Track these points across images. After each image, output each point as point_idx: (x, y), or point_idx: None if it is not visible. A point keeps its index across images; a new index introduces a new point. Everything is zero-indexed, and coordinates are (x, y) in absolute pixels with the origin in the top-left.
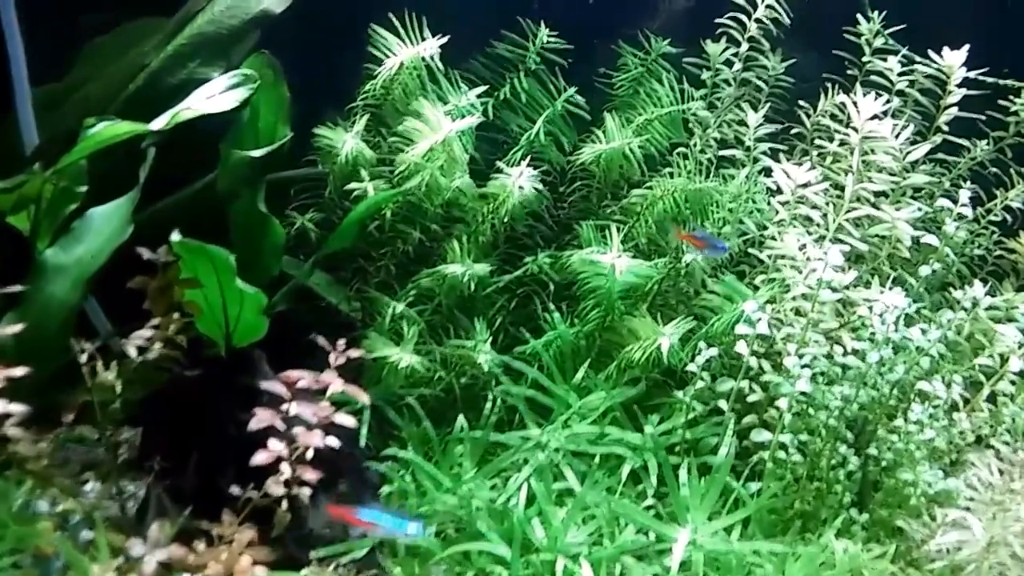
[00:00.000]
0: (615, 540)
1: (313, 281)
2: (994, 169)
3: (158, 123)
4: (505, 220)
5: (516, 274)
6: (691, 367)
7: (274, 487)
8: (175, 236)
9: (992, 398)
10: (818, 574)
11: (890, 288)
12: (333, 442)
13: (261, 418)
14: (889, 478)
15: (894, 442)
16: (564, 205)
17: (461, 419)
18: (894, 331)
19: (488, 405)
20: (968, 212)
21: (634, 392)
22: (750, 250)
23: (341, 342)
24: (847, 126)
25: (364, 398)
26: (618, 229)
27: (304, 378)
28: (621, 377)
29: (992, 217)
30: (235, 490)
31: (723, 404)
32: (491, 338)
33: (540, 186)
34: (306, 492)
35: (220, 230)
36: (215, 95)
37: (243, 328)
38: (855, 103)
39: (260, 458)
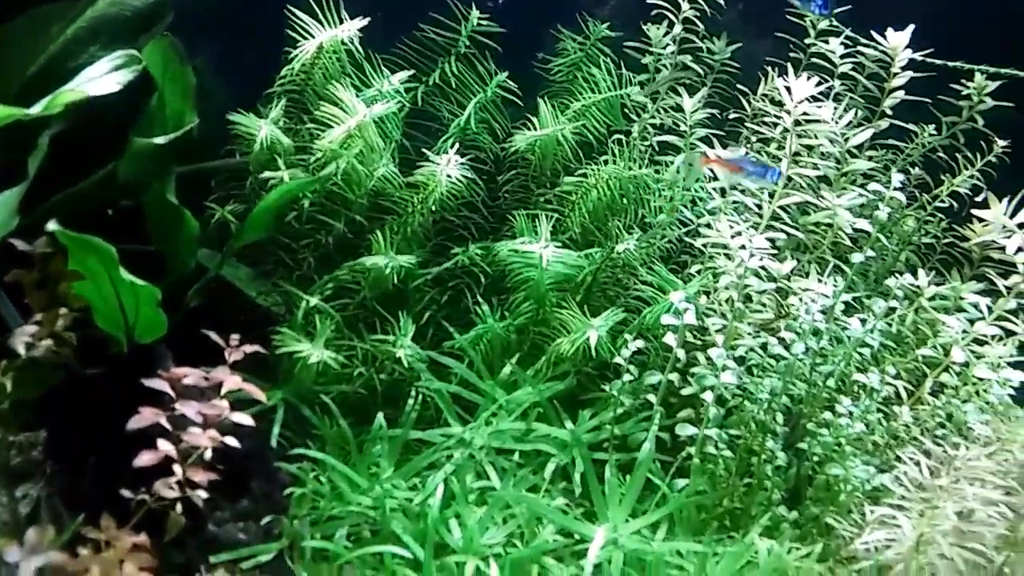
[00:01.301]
0: (534, 540)
1: (233, 275)
2: (945, 156)
3: (37, 108)
4: (434, 210)
5: (446, 266)
6: (619, 360)
7: (164, 490)
8: (52, 225)
9: (942, 391)
10: (741, 574)
11: (829, 277)
12: (232, 442)
13: (143, 417)
14: (820, 474)
15: (823, 436)
16: (500, 195)
17: (380, 417)
18: (822, 321)
19: (410, 402)
20: (901, 197)
21: (563, 387)
22: (688, 240)
23: (235, 337)
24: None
25: (260, 396)
26: (547, 218)
27: (190, 375)
28: (551, 372)
29: (940, 204)
30: (126, 493)
31: (652, 398)
32: (419, 333)
33: (470, 174)
34: (200, 495)
35: (127, 223)
36: (96, 77)
37: (144, 323)
38: (787, 86)
39: (145, 459)
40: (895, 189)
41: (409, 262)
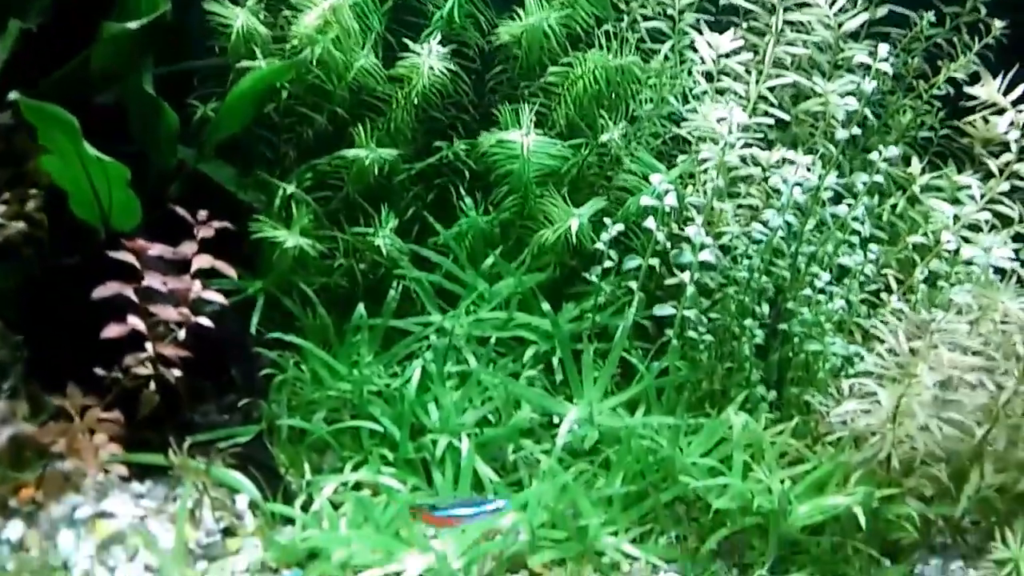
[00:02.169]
0: (510, 421)
1: (212, 171)
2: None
3: None
4: (418, 104)
5: (429, 161)
6: (599, 245)
7: (136, 366)
8: (13, 95)
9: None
10: (715, 448)
11: (817, 162)
12: (204, 321)
13: (108, 287)
14: (799, 353)
15: (803, 315)
16: (486, 92)
17: (360, 307)
18: (805, 200)
19: (391, 293)
20: (887, 68)
21: (544, 277)
22: (675, 129)
23: (203, 213)
24: None
25: (230, 272)
26: (531, 108)
27: (155, 248)
28: (534, 264)
29: (936, 91)
30: (99, 371)
31: (633, 285)
32: (404, 230)
33: (454, 67)
34: (174, 373)
35: (107, 123)
36: None
37: (118, 208)
38: None
39: (112, 331)
40: (880, 60)
41: (391, 155)
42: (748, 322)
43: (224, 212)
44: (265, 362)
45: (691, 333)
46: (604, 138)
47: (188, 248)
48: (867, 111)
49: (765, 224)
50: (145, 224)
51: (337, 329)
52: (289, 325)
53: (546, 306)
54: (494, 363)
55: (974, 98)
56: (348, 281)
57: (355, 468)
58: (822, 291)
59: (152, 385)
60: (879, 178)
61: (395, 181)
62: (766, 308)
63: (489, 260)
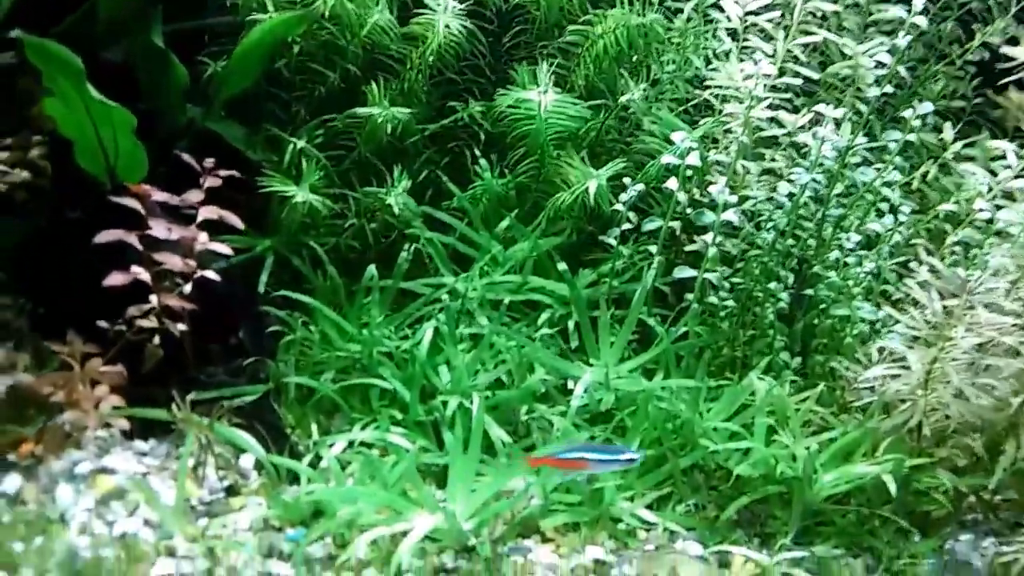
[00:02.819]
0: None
1: (222, 129)
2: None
3: None
4: (432, 63)
5: (444, 123)
6: (617, 206)
7: (140, 318)
8: (16, 32)
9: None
10: (737, 414)
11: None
12: (211, 275)
13: (110, 232)
14: (825, 318)
15: (830, 278)
16: (503, 53)
17: (371, 268)
18: (833, 160)
19: (402, 254)
20: (923, 22)
21: (560, 240)
22: (698, 92)
23: (210, 160)
24: None
25: (237, 222)
26: (549, 65)
27: (159, 194)
28: (550, 228)
29: (969, 57)
30: (103, 324)
31: (652, 248)
32: (418, 192)
33: (470, 25)
34: (179, 327)
35: (116, 82)
36: None
37: (124, 159)
38: None
39: (115, 279)
40: (915, 14)
41: (405, 115)
42: (772, 286)
43: (233, 170)
44: (273, 321)
45: (712, 298)
46: (624, 99)
47: (194, 196)
48: (901, 68)
49: (792, 182)
50: (153, 180)
51: (347, 290)
52: (298, 286)
53: (563, 266)
54: (508, 327)
55: (1008, 68)
56: (359, 242)
57: (364, 429)
58: (850, 254)
59: (156, 339)
60: (912, 137)
61: (408, 142)
62: (791, 275)
63: (504, 223)
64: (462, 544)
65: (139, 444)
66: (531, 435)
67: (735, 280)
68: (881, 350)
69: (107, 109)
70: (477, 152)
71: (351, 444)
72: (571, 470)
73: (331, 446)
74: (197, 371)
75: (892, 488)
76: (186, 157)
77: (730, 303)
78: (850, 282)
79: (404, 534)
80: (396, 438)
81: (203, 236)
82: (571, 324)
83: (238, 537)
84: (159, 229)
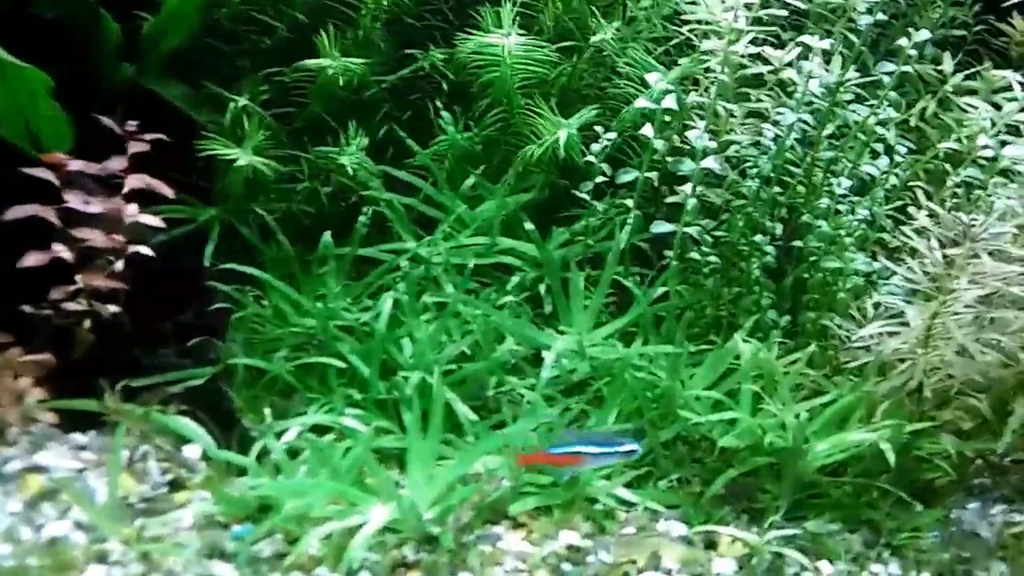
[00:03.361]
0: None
1: (161, 88)
2: None
3: None
4: (387, 5)
5: (403, 74)
6: (590, 158)
7: (65, 301)
8: None
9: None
10: (719, 380)
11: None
12: (144, 250)
13: (22, 209)
14: (816, 272)
15: (820, 228)
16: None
17: (327, 236)
18: (818, 89)
19: (360, 219)
20: None
21: (531, 197)
22: (676, 31)
23: (133, 123)
24: None
25: (166, 191)
26: (513, 8)
27: (76, 163)
28: (520, 184)
29: None
30: (27, 308)
31: (629, 202)
32: (377, 150)
33: None
34: (110, 309)
35: (49, 46)
36: None
37: (47, 125)
38: None
39: (31, 260)
40: None
41: (359, 66)
42: (758, 238)
43: (177, 135)
44: (220, 298)
45: (694, 254)
46: (596, 39)
47: (116, 164)
48: None
49: (777, 124)
50: (88, 148)
51: (301, 260)
52: (250, 258)
53: (530, 226)
54: (475, 294)
55: None
56: (314, 208)
57: (320, 411)
58: (841, 201)
59: (87, 323)
60: (907, 69)
61: (365, 96)
62: (778, 226)
63: (470, 180)
64: (424, 535)
65: (77, 437)
66: (500, 411)
67: (718, 233)
68: (877, 305)
69: (20, 71)
70: (440, 105)
71: (311, 429)
72: (566, 466)
73: (281, 434)
74: (139, 356)
75: (891, 456)
76: (106, 121)
77: (713, 259)
78: (842, 231)
79: (360, 527)
80: (350, 421)
81: (132, 208)
82: (543, 289)
83: (179, 537)
84: (75, 201)
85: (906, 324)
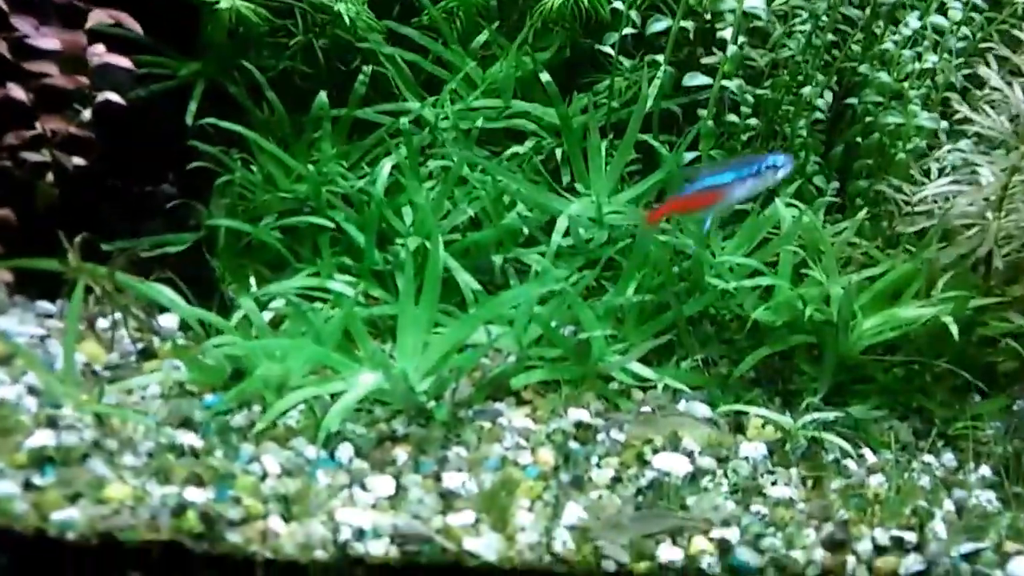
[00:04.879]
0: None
1: None
2: None
3: None
4: None
5: None
6: (616, 3)
7: (24, 150)
8: None
9: None
10: (756, 249)
11: None
12: (114, 97)
13: None
14: (871, 133)
15: (879, 78)
16: None
17: (322, 95)
18: None
19: (359, 77)
20: None
21: (549, 55)
22: None
23: None
24: None
25: (133, 25)
26: None
27: None
28: (538, 43)
29: None
30: None
31: (660, 58)
32: (380, 2)
33: None
34: (76, 161)
35: None
36: None
37: None
38: None
39: None
40: None
41: None
42: (807, 90)
43: None
44: (208, 164)
45: (732, 117)
46: None
47: None
48: None
49: None
50: None
51: (295, 123)
52: (238, 119)
53: (547, 78)
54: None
55: None
56: (310, 68)
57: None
58: (905, 47)
59: (50, 176)
60: None
61: None
62: (830, 78)
63: (482, 37)
64: (417, 408)
65: (44, 305)
66: (509, 284)
67: (760, 92)
68: (943, 170)
69: None
70: None
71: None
72: (706, 208)
73: (265, 305)
74: (111, 218)
75: (954, 330)
76: None
77: (753, 121)
78: (905, 84)
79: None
80: (339, 286)
81: (98, 47)
82: (560, 155)
83: (145, 405)
84: (25, 27)
85: (979, 181)
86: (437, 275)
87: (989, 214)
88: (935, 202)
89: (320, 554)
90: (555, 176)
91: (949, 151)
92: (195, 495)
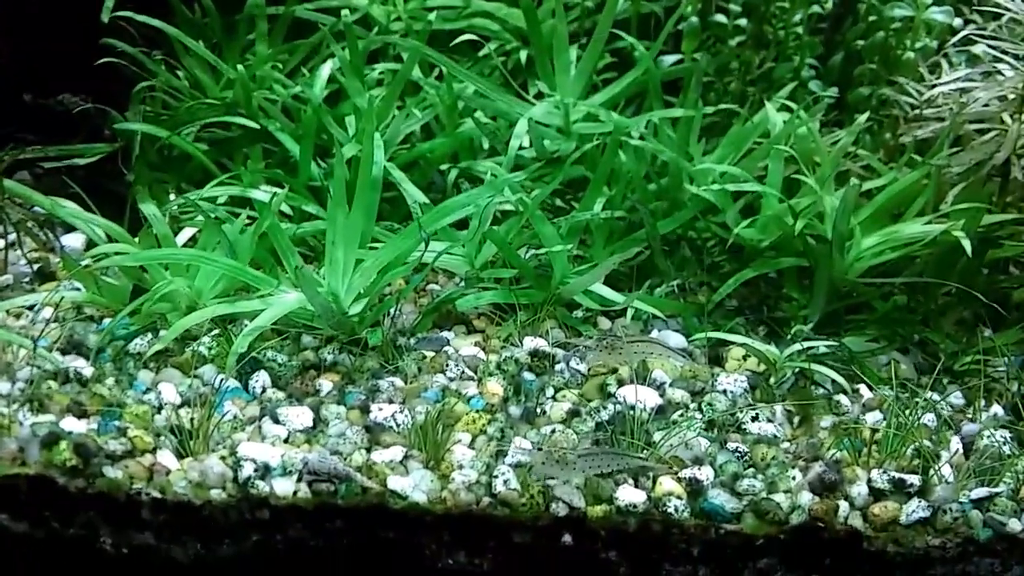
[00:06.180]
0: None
1: None
2: None
3: None
4: None
5: None
6: None
7: None
8: None
9: None
10: (743, 157)
11: None
12: None
13: None
14: (876, 31)
15: None
16: None
17: None
18: None
19: None
20: None
21: None
22: None
23: None
24: None
25: None
26: None
27: None
28: None
29: None
30: None
31: None
32: None
33: None
34: None
35: None
36: None
37: None
38: None
39: None
40: None
41: None
42: None
43: None
44: (124, 63)
45: (719, 17)
46: None
47: None
48: None
49: None
50: None
51: (227, 24)
52: (162, 19)
53: None
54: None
55: None
56: None
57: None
58: None
59: None
60: None
61: None
62: None
63: None
64: (348, 332)
65: None
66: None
67: None
68: (953, 62)
69: None
70: None
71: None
72: None
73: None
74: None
75: (967, 247)
76: None
77: (743, 22)
78: None
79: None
80: (262, 195)
81: None
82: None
83: (36, 329)
84: None
85: (996, 77)
86: (373, 181)
87: (1007, 116)
88: (946, 104)
89: (217, 493)
90: (523, 88)
91: (968, 36)
92: (73, 425)
